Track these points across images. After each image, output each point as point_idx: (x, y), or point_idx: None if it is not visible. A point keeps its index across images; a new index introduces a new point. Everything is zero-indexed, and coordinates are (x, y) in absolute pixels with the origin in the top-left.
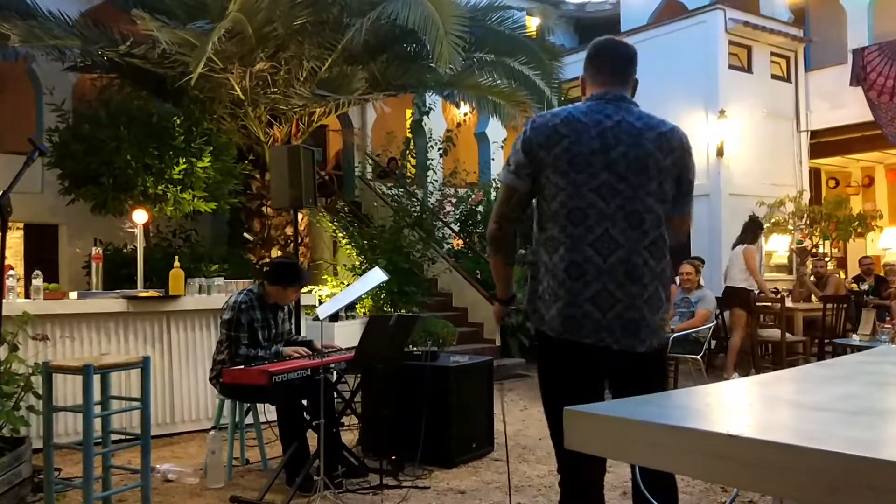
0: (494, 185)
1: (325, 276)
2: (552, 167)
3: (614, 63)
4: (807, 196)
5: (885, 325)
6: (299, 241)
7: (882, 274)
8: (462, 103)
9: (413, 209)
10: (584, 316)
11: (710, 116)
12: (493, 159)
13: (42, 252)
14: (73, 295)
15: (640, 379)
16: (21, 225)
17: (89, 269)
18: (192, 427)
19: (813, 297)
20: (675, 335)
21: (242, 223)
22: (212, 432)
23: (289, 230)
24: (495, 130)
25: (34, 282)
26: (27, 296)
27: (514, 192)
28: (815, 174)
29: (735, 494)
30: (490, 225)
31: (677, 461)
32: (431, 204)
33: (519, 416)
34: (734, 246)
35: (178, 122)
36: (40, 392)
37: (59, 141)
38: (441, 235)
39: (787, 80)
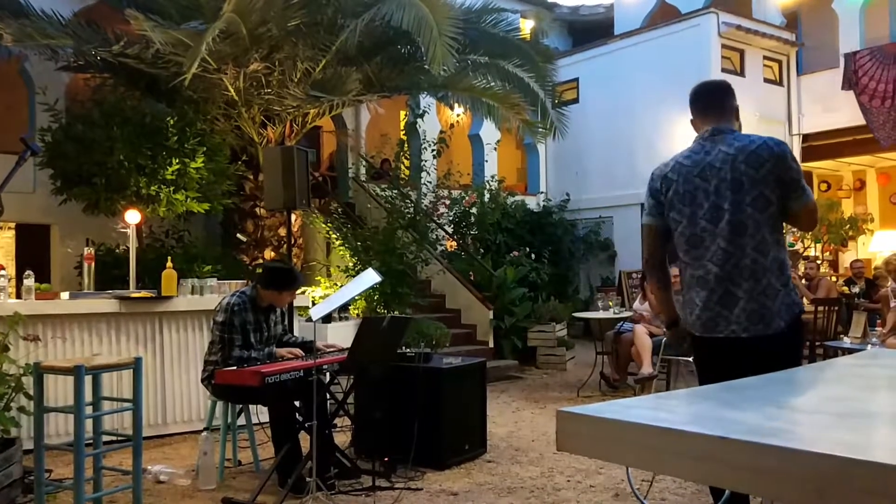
0: (488, 186)
1: (319, 278)
2: (669, 206)
3: (708, 101)
4: None
5: (877, 329)
6: (292, 242)
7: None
8: (456, 105)
9: (407, 211)
10: (717, 316)
11: None
12: (486, 161)
13: (34, 252)
14: (65, 295)
15: (776, 356)
16: (13, 225)
17: (81, 269)
18: (183, 428)
19: (804, 300)
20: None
21: (235, 224)
22: (204, 433)
23: (282, 231)
24: (489, 132)
25: (25, 282)
26: (18, 296)
27: (652, 228)
28: (806, 177)
29: (727, 496)
30: (643, 259)
31: (669, 463)
32: (425, 206)
33: (511, 417)
34: None
35: (172, 122)
36: (31, 393)
37: (52, 141)
38: (435, 237)
39: (780, 83)
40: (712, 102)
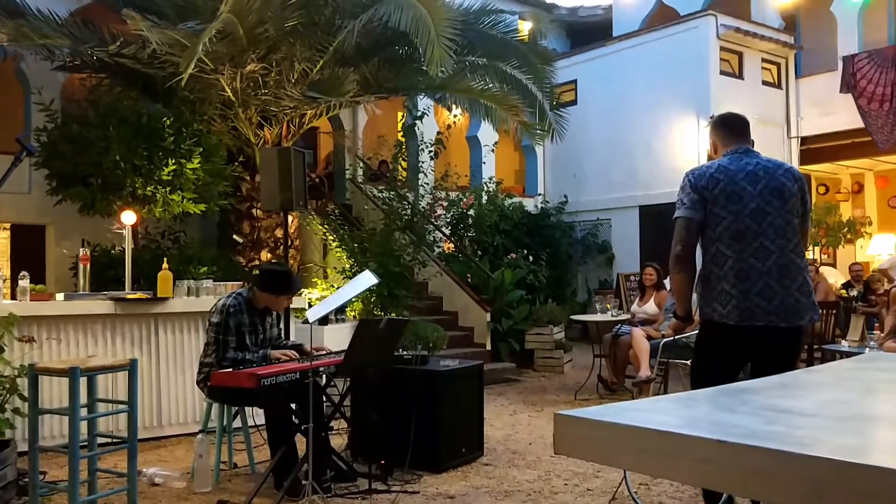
0: (486, 188)
1: (315, 279)
2: (713, 202)
3: (737, 128)
4: None
5: (874, 332)
6: (289, 243)
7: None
8: (454, 106)
9: (404, 212)
10: (755, 307)
11: (700, 122)
12: (484, 162)
13: (29, 253)
14: (60, 296)
15: (798, 346)
16: (8, 225)
17: (76, 270)
18: (179, 430)
19: None
20: (664, 340)
21: (232, 225)
22: (199, 436)
23: (279, 233)
24: (487, 134)
25: (21, 283)
26: (13, 297)
27: (692, 221)
28: (805, 180)
29: (724, 500)
30: (675, 248)
31: (667, 467)
32: (422, 207)
33: (509, 420)
34: None
35: (168, 122)
36: (26, 394)
37: (48, 141)
38: (432, 239)
39: (778, 86)
40: (742, 129)
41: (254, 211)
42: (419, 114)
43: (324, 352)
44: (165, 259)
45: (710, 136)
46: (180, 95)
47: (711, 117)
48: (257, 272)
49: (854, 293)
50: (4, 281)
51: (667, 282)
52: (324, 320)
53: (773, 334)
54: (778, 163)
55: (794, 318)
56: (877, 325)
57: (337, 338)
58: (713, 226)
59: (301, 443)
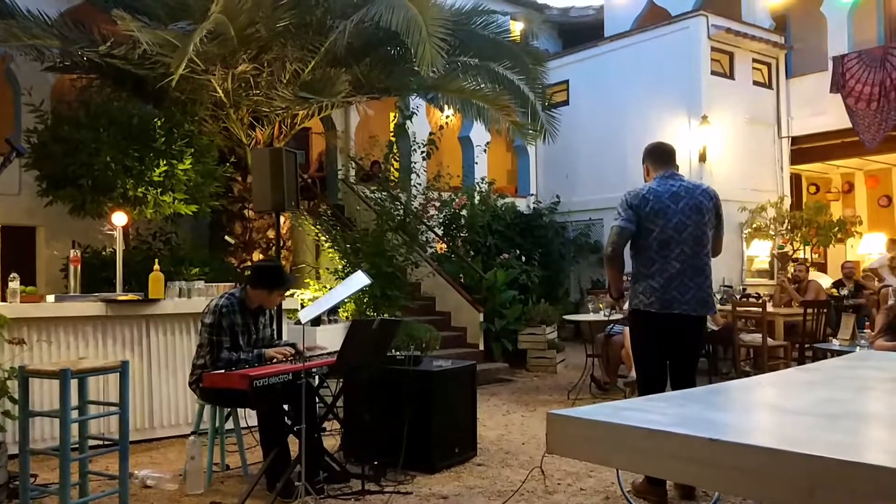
0: (478, 188)
1: (308, 280)
2: (644, 218)
3: (666, 156)
4: (788, 202)
5: (865, 331)
6: (281, 244)
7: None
8: (446, 107)
9: (396, 213)
10: (673, 299)
11: (692, 122)
12: (476, 163)
13: (19, 254)
14: (51, 298)
15: (701, 328)
16: None
17: (67, 271)
18: (171, 432)
19: (793, 302)
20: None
21: (224, 226)
22: (191, 437)
23: (271, 233)
24: (479, 134)
25: (11, 284)
26: (3, 299)
27: (625, 230)
28: (795, 180)
29: (716, 498)
30: (607, 249)
31: (660, 465)
32: (415, 207)
33: (502, 420)
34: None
35: (159, 123)
36: (16, 397)
37: (38, 142)
38: (425, 239)
39: (769, 86)
40: (669, 157)
41: (246, 212)
42: (410, 113)
43: (318, 351)
44: (157, 260)
45: (644, 162)
46: (171, 96)
47: (703, 117)
48: (249, 272)
49: (844, 292)
50: None
51: None
52: (316, 321)
53: (686, 320)
54: (697, 184)
55: (702, 309)
56: (867, 323)
57: (329, 339)
58: (645, 237)
59: (294, 444)
